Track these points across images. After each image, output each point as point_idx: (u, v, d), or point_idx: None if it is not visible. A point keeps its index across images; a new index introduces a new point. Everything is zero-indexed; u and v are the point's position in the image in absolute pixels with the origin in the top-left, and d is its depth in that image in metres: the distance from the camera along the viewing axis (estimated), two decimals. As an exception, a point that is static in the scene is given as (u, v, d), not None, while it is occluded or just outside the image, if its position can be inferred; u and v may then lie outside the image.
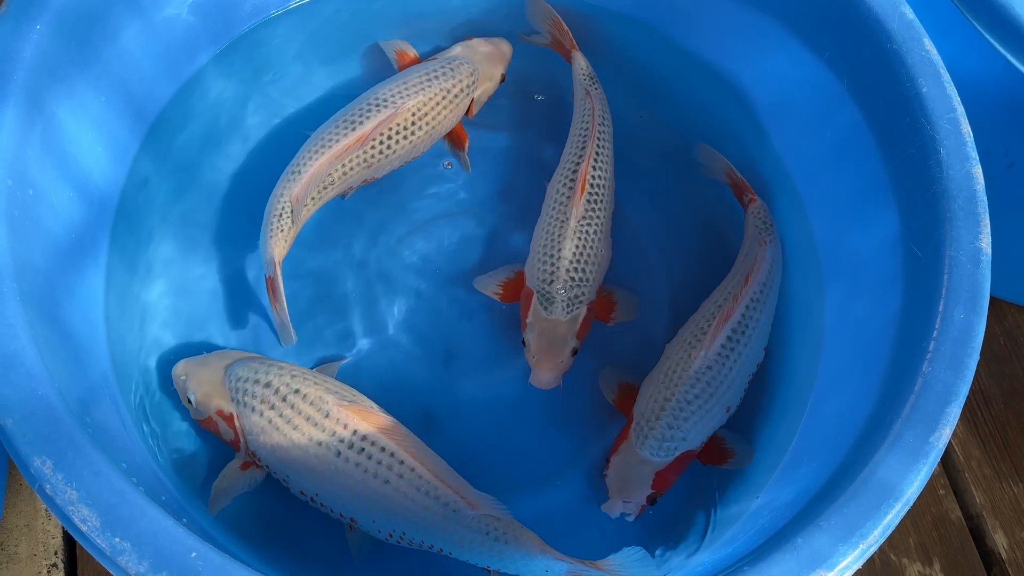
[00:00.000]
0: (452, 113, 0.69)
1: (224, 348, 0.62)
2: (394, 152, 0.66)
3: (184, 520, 0.42)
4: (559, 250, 0.62)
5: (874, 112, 0.57)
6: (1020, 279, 0.77)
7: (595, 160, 0.65)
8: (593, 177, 0.64)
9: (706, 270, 0.68)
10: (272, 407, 0.54)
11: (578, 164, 0.65)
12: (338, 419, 0.53)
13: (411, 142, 0.67)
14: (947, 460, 0.74)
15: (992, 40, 0.58)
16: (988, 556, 0.70)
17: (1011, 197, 0.68)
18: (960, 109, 0.52)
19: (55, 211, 0.53)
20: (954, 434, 0.73)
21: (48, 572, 0.63)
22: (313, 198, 0.64)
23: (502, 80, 0.72)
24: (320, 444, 0.53)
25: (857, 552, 0.41)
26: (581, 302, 0.61)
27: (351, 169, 0.65)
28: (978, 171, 0.50)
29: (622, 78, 0.72)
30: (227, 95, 0.69)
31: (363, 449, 0.52)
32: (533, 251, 0.64)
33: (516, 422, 0.64)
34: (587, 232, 0.63)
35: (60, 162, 0.54)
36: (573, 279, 0.61)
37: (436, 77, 0.68)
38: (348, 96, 0.68)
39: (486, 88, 0.71)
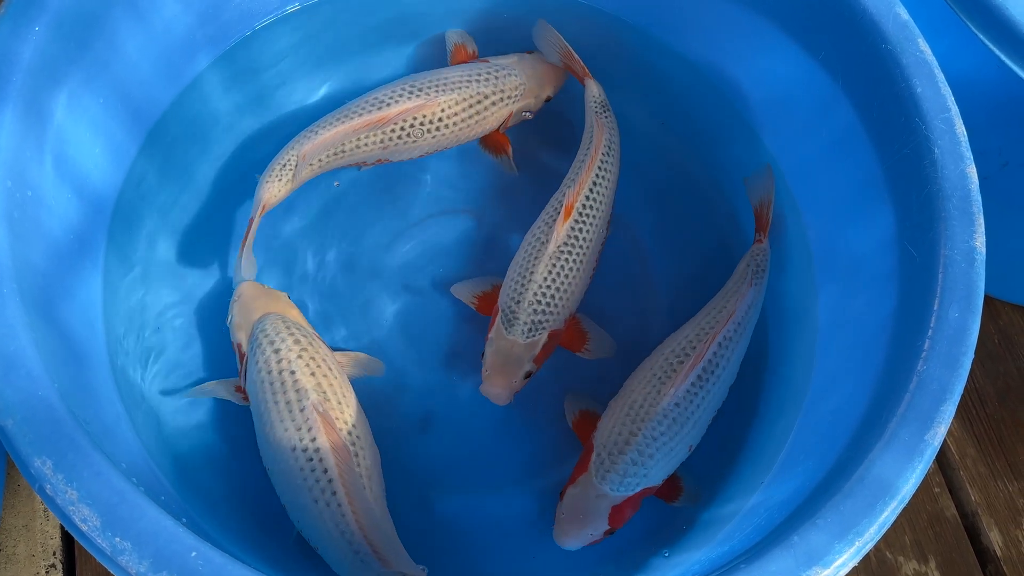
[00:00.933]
0: (485, 119, 0.68)
1: (222, 350, 0.63)
2: (414, 142, 0.66)
3: (184, 520, 0.42)
4: (531, 273, 0.61)
5: (869, 112, 0.57)
6: (1015, 278, 0.78)
7: (590, 189, 0.64)
8: (584, 207, 0.63)
9: (705, 272, 0.69)
10: (268, 372, 0.56)
11: (570, 188, 0.64)
12: (306, 420, 0.54)
13: (434, 137, 0.66)
14: (942, 458, 0.74)
15: (986, 40, 0.58)
16: (983, 554, 0.71)
17: (1005, 196, 0.69)
18: (954, 109, 0.52)
19: (54, 212, 0.54)
20: (949, 432, 0.74)
21: (46, 572, 0.63)
22: (320, 160, 0.65)
23: (547, 101, 0.72)
24: (285, 432, 0.54)
25: (853, 550, 0.41)
26: (544, 328, 0.60)
27: (365, 146, 0.65)
28: (972, 171, 0.51)
29: (615, 79, 0.72)
30: (226, 99, 0.70)
31: (311, 459, 0.53)
32: (510, 268, 0.63)
33: (515, 422, 0.64)
34: (565, 260, 0.61)
35: (59, 163, 0.54)
36: (539, 304, 0.60)
37: (478, 80, 0.67)
38: (344, 100, 0.68)
39: (528, 104, 0.70)
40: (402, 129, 0.65)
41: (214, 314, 0.65)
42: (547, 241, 0.62)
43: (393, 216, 0.70)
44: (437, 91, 0.66)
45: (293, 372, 0.56)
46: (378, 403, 0.64)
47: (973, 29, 0.58)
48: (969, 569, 0.70)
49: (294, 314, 0.62)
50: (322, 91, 0.73)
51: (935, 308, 0.47)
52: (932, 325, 0.47)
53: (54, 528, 0.64)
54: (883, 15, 0.56)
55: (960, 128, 0.52)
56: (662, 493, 0.59)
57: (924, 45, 0.54)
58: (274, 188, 0.63)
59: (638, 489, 0.55)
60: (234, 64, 0.68)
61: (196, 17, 0.64)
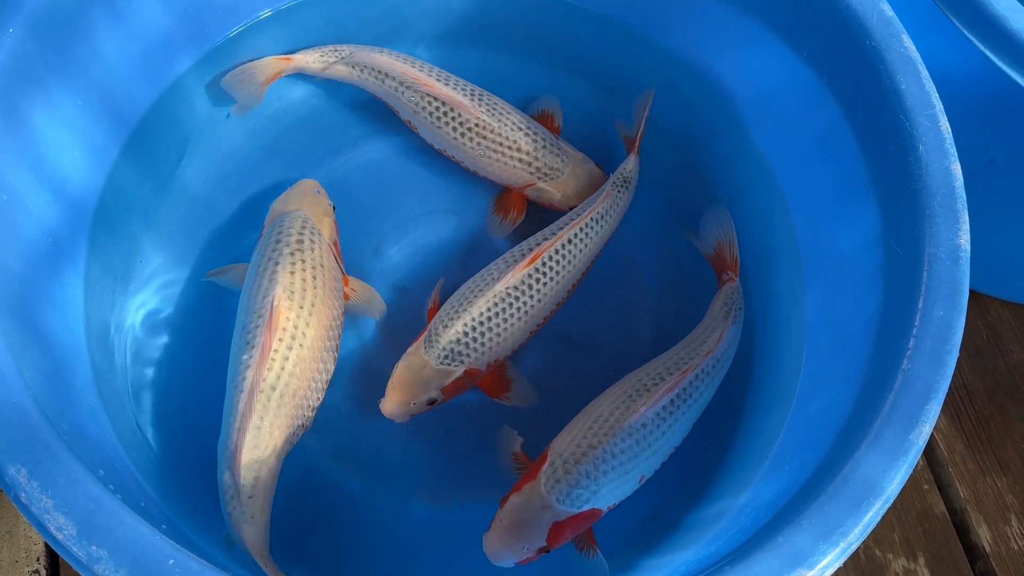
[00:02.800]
0: (504, 167, 0.68)
1: (205, 353, 0.63)
2: (437, 127, 0.67)
3: (163, 527, 0.42)
4: (470, 304, 0.60)
5: (854, 109, 0.57)
6: (1002, 274, 0.78)
7: (563, 246, 0.62)
8: (551, 260, 0.62)
9: (692, 273, 0.69)
10: (259, 256, 0.60)
11: (545, 239, 0.63)
12: (261, 308, 0.56)
13: (454, 138, 0.67)
14: (931, 455, 0.74)
15: (971, 37, 0.58)
16: (972, 550, 0.71)
17: (992, 192, 0.69)
18: (939, 106, 0.52)
19: (32, 216, 0.53)
20: (937, 429, 0.74)
21: (30, 579, 0.62)
22: (362, 72, 0.68)
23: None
24: (243, 315, 0.57)
25: (838, 550, 0.41)
26: (461, 362, 0.59)
27: (401, 95, 0.67)
28: (957, 167, 0.50)
29: (600, 77, 0.72)
30: (209, 100, 0.69)
31: (246, 347, 0.55)
32: (456, 291, 0.62)
33: (504, 421, 0.63)
34: (509, 305, 0.60)
35: (36, 166, 0.53)
36: (466, 337, 0.59)
37: (527, 135, 0.68)
38: (326, 99, 0.67)
39: (550, 195, 0.69)
40: (437, 109, 0.67)
41: (201, 317, 0.65)
42: (498, 279, 0.60)
43: (379, 217, 0.70)
44: (489, 110, 0.67)
45: (277, 264, 0.58)
46: (362, 405, 0.64)
47: (958, 25, 0.57)
48: (958, 566, 0.69)
49: (325, 223, 0.63)
50: (305, 92, 0.72)
51: (920, 306, 0.47)
52: (917, 324, 0.47)
53: (38, 534, 0.64)
54: (867, 11, 0.55)
55: (945, 125, 0.51)
56: (587, 535, 0.56)
57: (908, 42, 0.54)
58: (314, 55, 0.68)
59: (585, 508, 0.52)
60: (217, 66, 0.68)
61: (176, 18, 0.63)
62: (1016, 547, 0.70)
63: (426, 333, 0.60)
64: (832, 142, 0.59)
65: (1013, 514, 0.71)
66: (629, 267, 0.70)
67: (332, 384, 0.62)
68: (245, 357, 0.55)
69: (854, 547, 0.42)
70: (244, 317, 0.57)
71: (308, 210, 0.63)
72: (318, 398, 0.58)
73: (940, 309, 0.47)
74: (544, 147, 0.68)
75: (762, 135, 0.67)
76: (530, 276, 0.61)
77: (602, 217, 0.65)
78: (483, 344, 0.59)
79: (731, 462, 0.62)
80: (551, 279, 0.62)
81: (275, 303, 0.56)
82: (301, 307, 0.57)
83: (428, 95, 0.67)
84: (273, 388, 0.54)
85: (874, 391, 0.47)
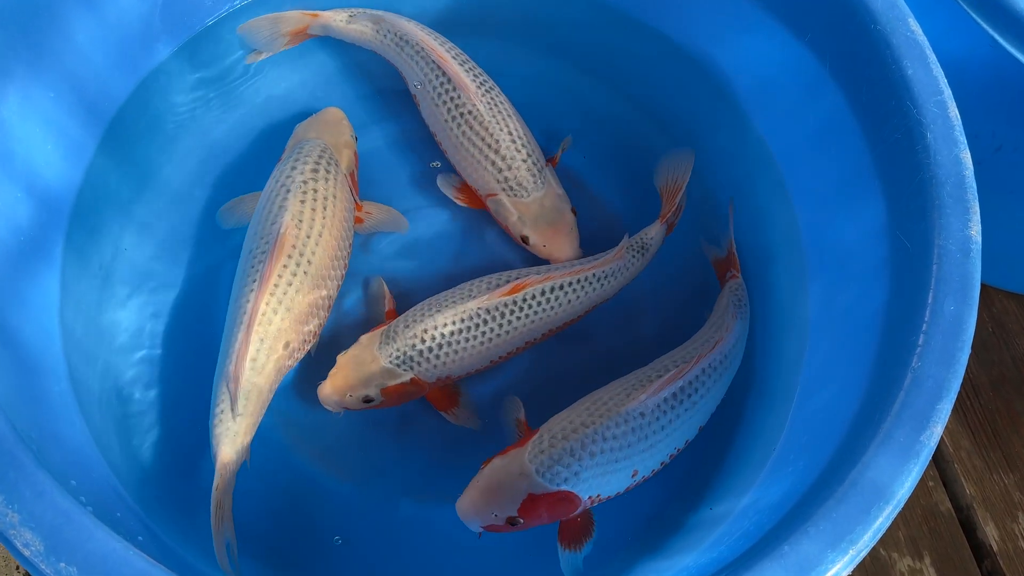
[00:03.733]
0: (477, 168, 0.64)
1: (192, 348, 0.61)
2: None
3: (140, 538, 0.40)
4: (437, 313, 0.58)
5: (857, 96, 0.55)
6: (1008, 265, 0.76)
7: (552, 290, 0.59)
8: (534, 300, 0.59)
9: (690, 263, 0.67)
10: (273, 181, 0.60)
11: (536, 275, 0.60)
12: (268, 233, 0.57)
13: (445, 119, 0.64)
14: (936, 451, 0.72)
15: (978, 18, 0.56)
16: (979, 548, 0.69)
17: (998, 181, 0.67)
18: (947, 92, 0.50)
19: (1, 213, 0.51)
20: (943, 424, 0.72)
21: (9, 589, 0.60)
22: (385, 36, 0.66)
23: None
24: (251, 238, 0.59)
25: (847, 559, 0.39)
26: (409, 368, 0.57)
27: (416, 64, 0.65)
28: (967, 156, 0.48)
29: (597, 65, 0.70)
30: (189, 92, 0.67)
31: (251, 270, 0.56)
32: (431, 297, 0.60)
33: (494, 429, 0.62)
34: (476, 326, 0.58)
35: (5, 162, 0.51)
36: (422, 344, 0.57)
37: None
38: (313, 93, 0.65)
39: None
40: (441, 85, 0.65)
41: (187, 315, 0.63)
42: (473, 297, 0.58)
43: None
44: (488, 103, 0.64)
45: (288, 191, 0.58)
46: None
47: (965, 7, 0.56)
48: (965, 564, 0.68)
49: (345, 153, 0.63)
50: (290, 82, 0.70)
51: (929, 301, 0.45)
52: (927, 319, 0.45)
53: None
54: (872, -6, 0.53)
55: (954, 112, 0.49)
56: (569, 525, 0.54)
57: (915, 25, 0.52)
58: (342, 13, 0.67)
59: (563, 486, 0.51)
60: (196, 55, 0.66)
61: (153, 6, 0.61)
62: (1024, 545, 0.69)
63: (384, 328, 0.59)
64: (835, 130, 0.57)
65: (1021, 511, 0.70)
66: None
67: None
68: (250, 281, 0.56)
69: (863, 554, 0.40)
70: (251, 242, 0.58)
71: (329, 139, 0.63)
72: (319, 324, 0.59)
73: (951, 304, 0.45)
74: (523, 162, 0.63)
75: (763, 123, 0.65)
76: (506, 306, 0.58)
77: (605, 277, 0.61)
78: (438, 357, 0.57)
79: (733, 461, 0.61)
80: (527, 317, 0.59)
81: (282, 230, 0.56)
82: (308, 236, 0.57)
83: (438, 69, 0.65)
84: (275, 312, 0.55)
85: (882, 390, 0.45)
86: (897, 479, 0.41)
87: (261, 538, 0.58)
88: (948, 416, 0.43)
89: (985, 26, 0.55)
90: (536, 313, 0.59)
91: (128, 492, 0.53)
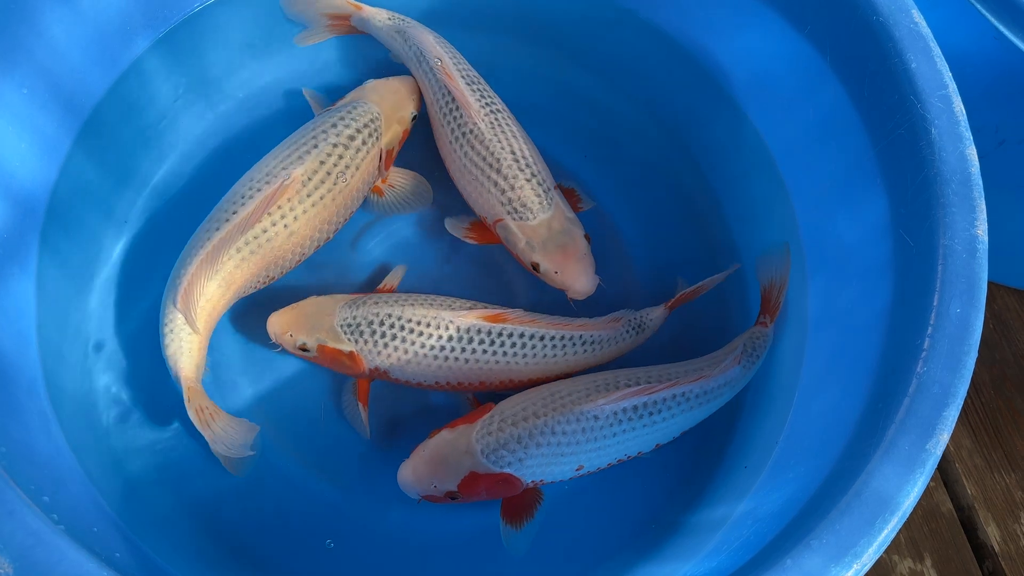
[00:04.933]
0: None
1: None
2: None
3: (118, 555, 0.38)
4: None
5: (859, 89, 0.53)
6: (1009, 260, 0.75)
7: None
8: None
9: (686, 261, 0.66)
10: (305, 129, 0.60)
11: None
12: (269, 176, 0.57)
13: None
14: (937, 451, 0.71)
15: (983, 10, 0.54)
16: (980, 549, 0.68)
17: (1001, 176, 0.65)
18: (952, 85, 0.48)
19: (-28, 215, 0.49)
20: (944, 424, 0.71)
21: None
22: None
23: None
24: (257, 170, 0.58)
25: (851, 573, 0.38)
26: (354, 340, 0.56)
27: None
28: (972, 152, 0.47)
29: (592, 59, 0.68)
30: (169, 86, 0.65)
31: (237, 201, 0.57)
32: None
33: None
34: (444, 334, 0.56)
35: (-25, 161, 0.49)
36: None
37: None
38: (294, 87, 0.63)
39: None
40: (447, 104, 0.62)
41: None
42: (452, 309, 0.57)
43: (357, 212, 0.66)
44: (491, 123, 0.61)
45: (315, 146, 0.58)
46: (340, 414, 0.61)
47: (970, -2, 0.54)
48: (966, 565, 0.67)
49: (392, 129, 0.62)
50: (273, 75, 0.68)
51: (935, 303, 0.44)
52: (932, 322, 0.43)
53: None
54: (873, -16, 0.51)
55: (959, 106, 0.48)
56: (511, 503, 0.54)
57: (918, 16, 0.50)
58: (382, 14, 0.64)
59: (505, 469, 0.51)
60: (175, 48, 0.64)
61: (130, -3, 0.59)
62: (1026, 545, 0.67)
63: (357, 296, 0.58)
64: (835, 125, 0.55)
65: (1022, 511, 0.69)
66: (620, 257, 0.67)
67: (311, 393, 0.61)
68: (232, 207, 0.56)
69: (868, 568, 0.39)
70: (255, 172, 0.58)
71: (386, 108, 0.62)
72: (280, 273, 0.59)
73: (957, 306, 0.43)
74: (526, 181, 0.60)
75: (760, 117, 0.63)
76: (478, 332, 0.56)
77: (592, 343, 0.58)
78: (384, 346, 0.56)
79: (729, 461, 0.60)
80: (493, 354, 0.57)
81: (288, 181, 0.56)
82: (308, 195, 0.57)
83: (445, 88, 0.62)
84: (239, 252, 0.56)
85: (886, 395, 0.44)
86: (902, 489, 0.40)
87: (253, 543, 0.57)
88: (955, 423, 0.41)
89: (990, 18, 0.54)
90: (505, 355, 0.57)
91: (108, 503, 0.51)
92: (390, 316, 0.56)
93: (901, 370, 0.43)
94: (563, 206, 0.61)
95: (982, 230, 0.45)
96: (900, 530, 0.66)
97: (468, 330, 0.56)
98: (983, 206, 0.46)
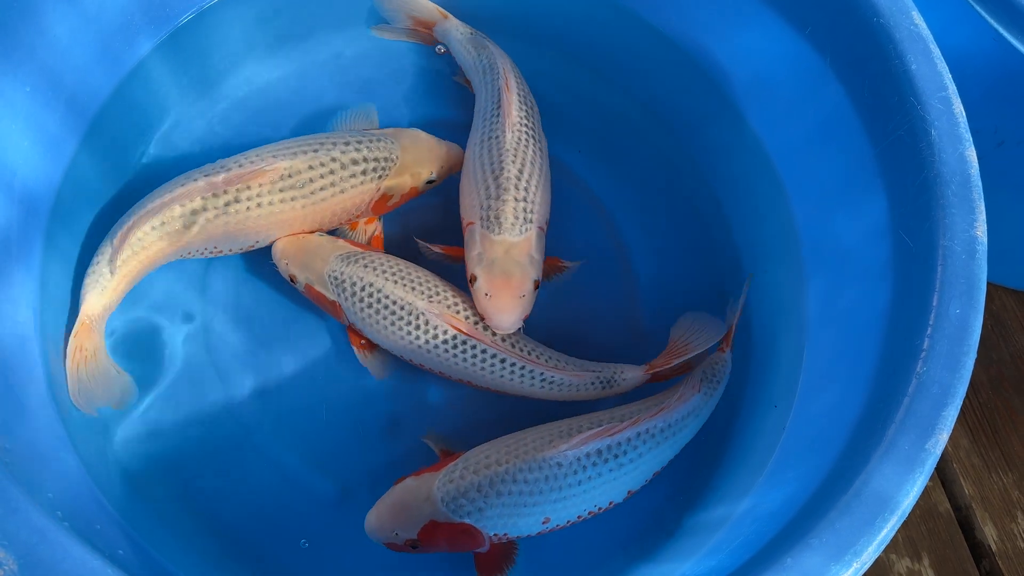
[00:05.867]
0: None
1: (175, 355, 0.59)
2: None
3: (121, 552, 0.39)
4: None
5: (859, 91, 0.53)
6: (1007, 260, 0.75)
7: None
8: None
9: (689, 263, 0.66)
10: (341, 135, 0.61)
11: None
12: (259, 158, 0.57)
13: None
14: (935, 450, 0.71)
15: (982, 11, 0.54)
16: (977, 548, 0.68)
17: (1000, 176, 0.65)
18: (952, 87, 0.49)
19: (-24, 214, 0.49)
20: (942, 424, 0.71)
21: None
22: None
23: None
24: (258, 149, 0.59)
25: (850, 572, 0.38)
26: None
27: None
28: (972, 154, 0.47)
29: (592, 59, 0.68)
30: (173, 86, 0.65)
31: (227, 164, 0.58)
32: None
33: (483, 423, 0.61)
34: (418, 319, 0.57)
35: (-22, 160, 0.49)
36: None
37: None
38: (294, 87, 0.63)
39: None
40: (492, 116, 0.61)
41: (168, 317, 0.62)
42: (438, 292, 0.58)
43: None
44: (516, 147, 0.60)
45: (316, 150, 0.59)
46: (347, 404, 0.61)
47: (970, 0, 0.54)
48: (963, 565, 0.67)
49: (401, 178, 0.61)
50: (277, 75, 0.68)
51: (934, 304, 0.44)
52: (931, 323, 0.43)
53: None
54: (874, -14, 0.52)
55: (958, 108, 0.48)
56: (484, 559, 0.53)
57: (919, 18, 0.51)
58: (464, 29, 0.63)
59: (465, 519, 0.50)
60: (180, 48, 0.64)
61: (133, -3, 0.59)
62: (1023, 545, 0.68)
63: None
64: (835, 127, 0.56)
65: (1020, 511, 0.69)
66: (620, 261, 0.67)
67: (314, 391, 0.61)
68: (208, 171, 0.57)
69: (867, 566, 0.39)
70: (252, 151, 0.59)
71: (407, 157, 0.61)
72: (229, 250, 0.60)
73: (956, 307, 0.44)
74: (513, 200, 0.58)
75: (759, 119, 0.64)
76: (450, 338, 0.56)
77: (553, 383, 0.58)
78: (362, 305, 0.57)
79: (730, 462, 0.60)
80: (468, 359, 0.57)
81: (267, 167, 0.57)
82: (281, 190, 0.57)
83: (498, 101, 0.62)
84: (203, 211, 0.56)
85: (885, 395, 0.44)
86: (902, 489, 0.40)
87: (254, 540, 0.57)
88: (954, 423, 0.41)
89: (989, 19, 0.54)
90: (464, 361, 0.57)
91: (109, 501, 0.51)
92: (371, 286, 0.57)
93: (901, 370, 0.44)
94: (535, 245, 0.58)
95: (981, 231, 0.45)
96: (898, 529, 0.67)
97: (435, 328, 0.56)
98: (982, 207, 0.46)
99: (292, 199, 0.58)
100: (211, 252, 0.60)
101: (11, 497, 0.36)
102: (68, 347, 0.53)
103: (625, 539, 0.58)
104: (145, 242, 0.56)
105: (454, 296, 0.58)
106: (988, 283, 0.76)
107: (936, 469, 0.70)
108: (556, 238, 0.63)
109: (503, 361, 0.57)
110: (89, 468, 0.52)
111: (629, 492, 0.54)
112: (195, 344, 0.61)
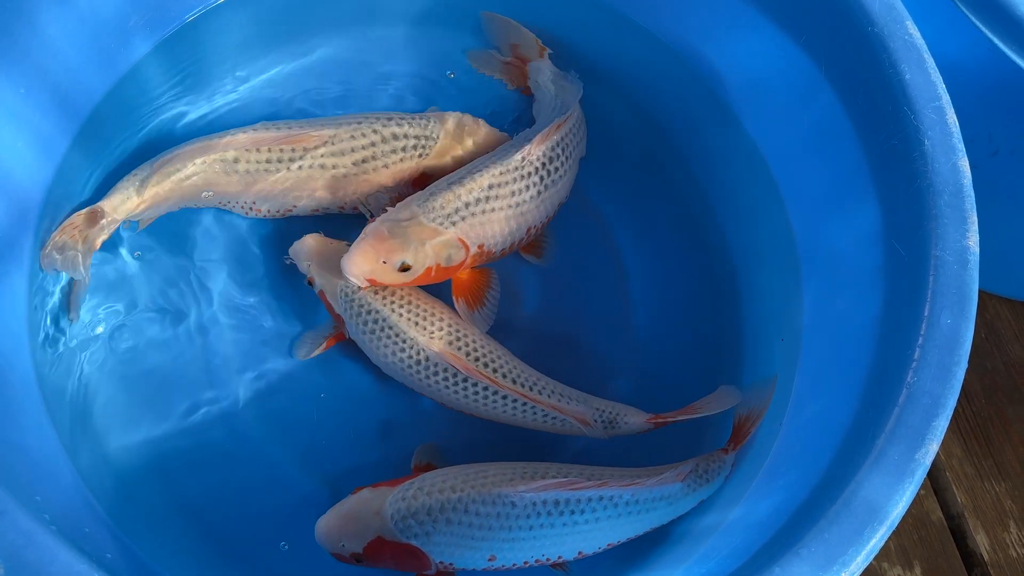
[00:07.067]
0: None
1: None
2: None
3: (109, 556, 0.38)
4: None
5: (853, 99, 0.53)
6: (1001, 269, 0.75)
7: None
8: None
9: (681, 269, 0.66)
10: (392, 115, 0.62)
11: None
12: (310, 127, 0.60)
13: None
14: (927, 459, 0.71)
15: (976, 21, 0.54)
16: (970, 557, 0.68)
17: (994, 186, 0.65)
18: (945, 97, 0.49)
19: (-33, 214, 0.49)
20: (935, 432, 0.71)
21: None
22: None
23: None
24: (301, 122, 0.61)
25: (838, 582, 0.38)
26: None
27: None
28: (965, 164, 0.47)
29: (588, 64, 0.68)
30: (168, 89, 0.65)
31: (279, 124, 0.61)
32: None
33: (476, 431, 0.60)
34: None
35: (-29, 160, 0.49)
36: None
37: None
38: (293, 90, 0.63)
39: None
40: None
41: (161, 317, 0.61)
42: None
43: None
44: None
45: (359, 123, 0.60)
46: (340, 408, 0.61)
47: (963, 9, 0.54)
48: (955, 573, 0.67)
49: (443, 159, 0.61)
50: (273, 78, 0.68)
51: (926, 314, 0.44)
52: (923, 332, 0.43)
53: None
54: (869, -6, 0.52)
55: (952, 118, 0.48)
56: None
57: (913, 28, 0.51)
58: (551, 70, 0.62)
59: (412, 541, 0.49)
60: (175, 51, 0.64)
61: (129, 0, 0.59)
62: (1015, 554, 0.68)
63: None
64: (830, 134, 0.56)
65: (1012, 520, 0.69)
66: (614, 263, 0.67)
67: (305, 393, 0.60)
68: (258, 128, 0.60)
69: (856, 576, 0.39)
70: (300, 121, 0.61)
71: (449, 138, 0.62)
72: (255, 209, 0.61)
73: (947, 317, 0.43)
74: (466, 203, 0.56)
75: (755, 124, 0.64)
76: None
77: (554, 419, 0.57)
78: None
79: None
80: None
81: (312, 132, 0.59)
82: (322, 155, 0.59)
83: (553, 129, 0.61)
84: (243, 161, 0.59)
85: (876, 405, 0.44)
86: (891, 499, 0.40)
87: (244, 543, 0.57)
88: (944, 433, 0.41)
89: (983, 29, 0.54)
90: (465, 395, 0.57)
91: (99, 502, 0.51)
92: (377, 312, 0.57)
93: (891, 380, 0.44)
94: (439, 241, 0.55)
95: (973, 241, 0.45)
96: (890, 537, 0.66)
97: (435, 365, 0.56)
98: (975, 218, 0.46)
99: (333, 167, 0.59)
100: (250, 209, 0.61)
101: (-3, 499, 0.36)
102: (66, 221, 0.56)
103: (615, 547, 0.58)
104: (181, 175, 0.58)
105: (458, 331, 0.57)
106: (982, 292, 0.76)
107: (928, 477, 0.70)
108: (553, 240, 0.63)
109: (504, 398, 0.56)
110: (78, 471, 0.52)
111: (580, 553, 0.53)
112: (187, 345, 0.61)
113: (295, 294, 0.63)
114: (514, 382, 0.57)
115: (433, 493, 0.50)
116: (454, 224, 0.55)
